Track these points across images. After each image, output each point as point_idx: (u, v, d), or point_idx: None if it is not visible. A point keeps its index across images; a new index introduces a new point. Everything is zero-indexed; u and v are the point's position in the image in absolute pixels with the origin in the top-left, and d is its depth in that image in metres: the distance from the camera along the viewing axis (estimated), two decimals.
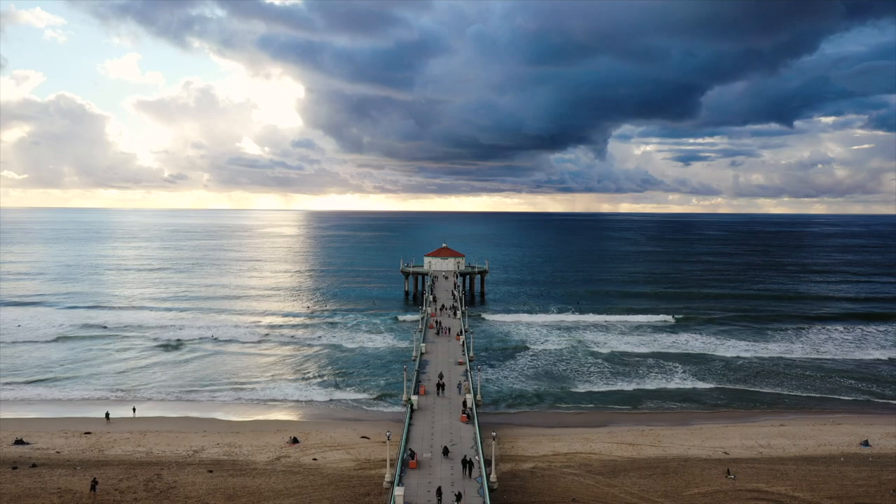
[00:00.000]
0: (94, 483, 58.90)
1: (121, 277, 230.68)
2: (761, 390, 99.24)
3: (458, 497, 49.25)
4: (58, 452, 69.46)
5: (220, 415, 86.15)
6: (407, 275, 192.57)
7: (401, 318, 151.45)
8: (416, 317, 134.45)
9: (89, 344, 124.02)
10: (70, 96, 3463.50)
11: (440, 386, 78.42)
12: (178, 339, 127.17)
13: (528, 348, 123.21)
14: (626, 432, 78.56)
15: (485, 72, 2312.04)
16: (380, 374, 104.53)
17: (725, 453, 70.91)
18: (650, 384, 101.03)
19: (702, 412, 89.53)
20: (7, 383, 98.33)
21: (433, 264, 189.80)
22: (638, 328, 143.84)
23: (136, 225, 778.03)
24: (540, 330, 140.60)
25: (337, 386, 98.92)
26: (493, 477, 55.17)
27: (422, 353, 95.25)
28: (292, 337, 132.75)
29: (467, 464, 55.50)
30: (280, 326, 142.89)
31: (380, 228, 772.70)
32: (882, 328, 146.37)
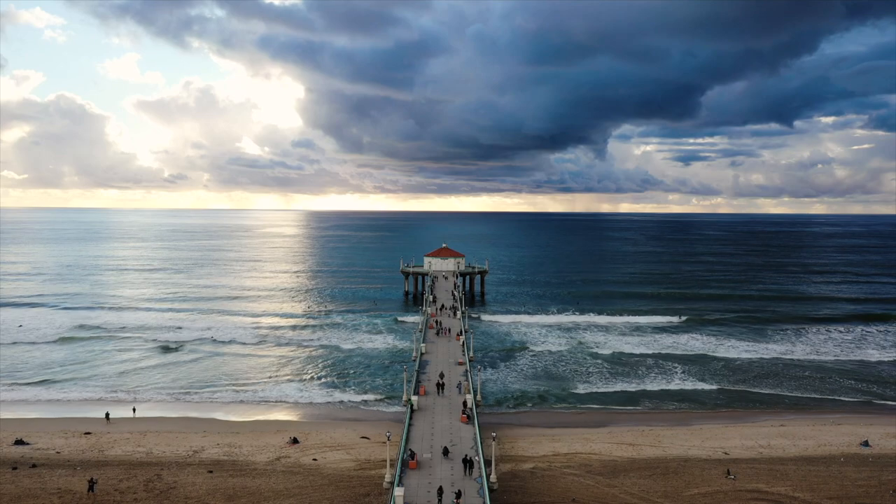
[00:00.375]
0: (92, 483, 58.82)
1: (121, 278, 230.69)
2: (761, 391, 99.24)
3: (458, 495, 49.42)
4: (58, 453, 69.46)
5: (220, 415, 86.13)
6: (407, 275, 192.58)
7: (401, 319, 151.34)
8: (416, 318, 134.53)
9: (89, 344, 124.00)
10: (70, 96, 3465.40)
11: (440, 385, 78.49)
12: (178, 340, 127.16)
13: (528, 348, 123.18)
14: (627, 432, 78.56)
15: (485, 72, 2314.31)
16: (380, 375, 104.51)
17: (725, 453, 70.90)
18: (650, 385, 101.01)
19: (702, 412, 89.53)
20: (8, 384, 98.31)
21: (433, 264, 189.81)
22: (638, 329, 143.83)
23: (135, 225, 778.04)
24: (540, 330, 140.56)
25: (337, 386, 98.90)
26: (493, 477, 55.19)
27: (422, 354, 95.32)
28: (292, 337, 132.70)
29: (468, 463, 55.58)
30: (280, 327, 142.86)
31: (380, 228, 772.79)
32: (882, 328, 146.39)
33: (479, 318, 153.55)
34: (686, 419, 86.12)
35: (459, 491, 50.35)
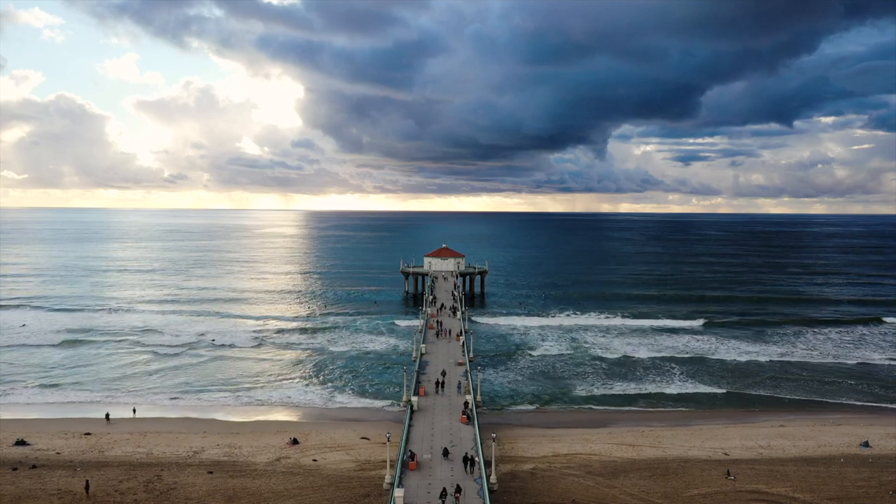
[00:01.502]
0: (87, 486, 58.89)
1: (121, 279, 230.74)
2: (761, 392, 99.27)
3: (458, 490, 49.74)
4: (58, 453, 69.49)
5: (220, 416, 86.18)
6: (407, 275, 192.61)
7: (400, 319, 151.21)
8: (415, 322, 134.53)
9: (90, 346, 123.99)
10: (70, 96, 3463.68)
11: (440, 384, 78.65)
12: (179, 342, 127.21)
13: (528, 349, 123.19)
14: (626, 433, 78.59)
15: (484, 72, 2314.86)
16: (380, 376, 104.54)
17: (725, 454, 70.92)
18: (650, 385, 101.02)
19: (702, 413, 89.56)
20: (9, 384, 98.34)
21: (433, 265, 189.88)
22: (638, 330, 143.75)
23: (135, 225, 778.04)
24: (540, 331, 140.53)
25: (337, 387, 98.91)
26: (493, 478, 55.20)
27: (422, 354, 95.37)
28: (292, 339, 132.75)
29: (468, 461, 55.75)
30: (279, 329, 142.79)
31: (380, 228, 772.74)
32: (882, 329, 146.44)
33: (479, 318, 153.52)
34: (686, 420, 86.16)
35: (459, 486, 50.62)
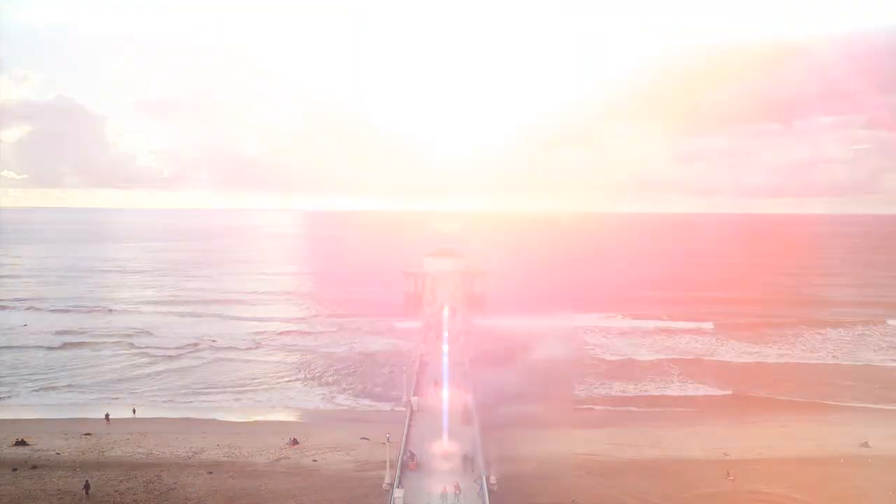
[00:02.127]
0: (87, 486, 59.00)
1: (121, 280, 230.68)
2: (761, 392, 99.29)
3: (458, 490, 49.84)
4: (58, 454, 69.52)
5: (220, 416, 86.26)
6: (407, 275, 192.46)
7: (399, 323, 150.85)
8: (416, 319, 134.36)
9: (90, 346, 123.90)
10: (70, 96, 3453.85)
11: (439, 385, 78.53)
12: (179, 343, 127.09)
13: (528, 349, 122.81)
14: (626, 433, 78.56)
15: (482, 71, 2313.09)
16: (379, 376, 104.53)
17: (725, 455, 70.88)
18: (650, 386, 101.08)
19: (702, 413, 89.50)
20: (9, 385, 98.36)
21: (433, 264, 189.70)
22: (638, 330, 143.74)
23: (135, 226, 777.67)
24: (541, 331, 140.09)
25: (337, 388, 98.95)
26: (493, 478, 55.17)
27: (421, 354, 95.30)
28: (292, 340, 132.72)
29: (468, 461, 55.80)
30: (279, 330, 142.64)
31: (379, 228, 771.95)
32: (882, 330, 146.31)
33: (479, 318, 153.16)
34: (686, 420, 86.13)
35: (457, 484, 50.71)
